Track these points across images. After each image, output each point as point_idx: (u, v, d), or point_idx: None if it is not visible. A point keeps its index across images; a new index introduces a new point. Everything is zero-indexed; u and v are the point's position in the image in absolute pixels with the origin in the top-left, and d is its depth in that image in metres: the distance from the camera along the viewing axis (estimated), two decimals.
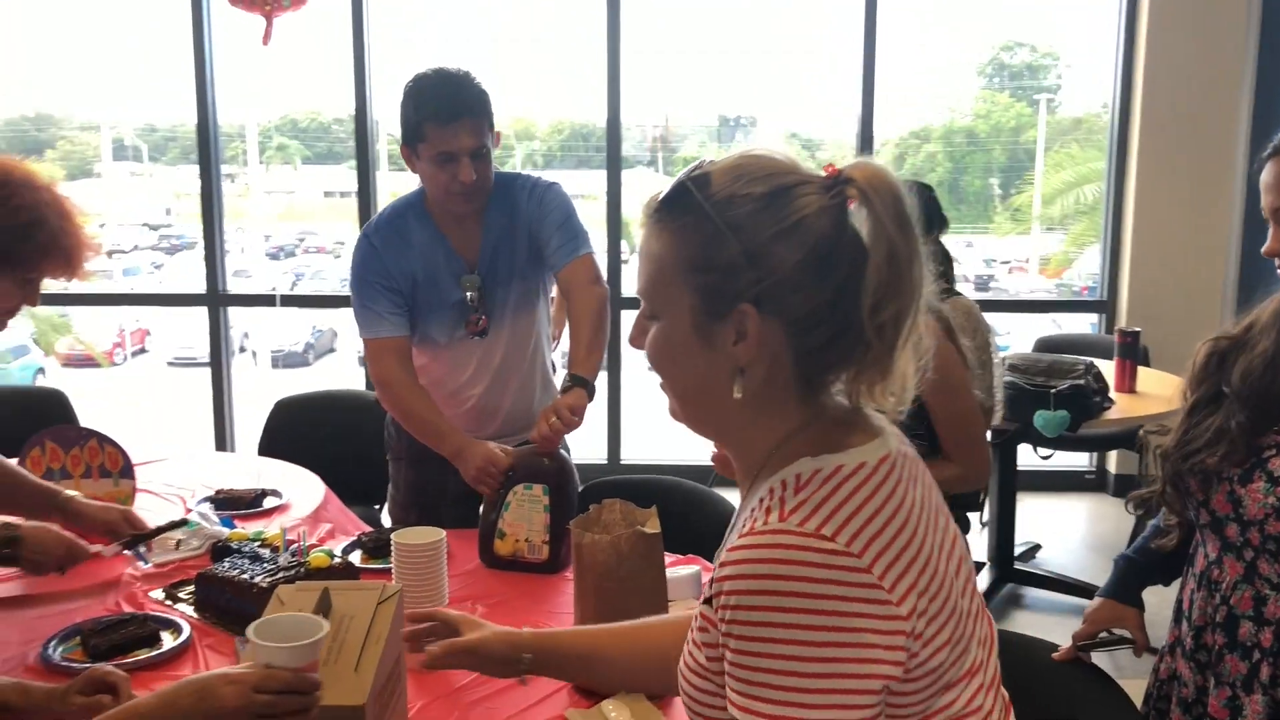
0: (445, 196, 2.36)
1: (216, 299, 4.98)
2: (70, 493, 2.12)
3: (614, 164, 4.95)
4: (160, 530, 2.15)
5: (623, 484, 2.86)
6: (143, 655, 1.78)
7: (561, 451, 2.25)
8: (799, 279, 1.01)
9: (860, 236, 1.02)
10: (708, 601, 1.02)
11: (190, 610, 1.99)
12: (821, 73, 7.07)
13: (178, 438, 4.36)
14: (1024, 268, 8.40)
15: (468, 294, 2.43)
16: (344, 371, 11.16)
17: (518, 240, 2.45)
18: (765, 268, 1.01)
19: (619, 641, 1.44)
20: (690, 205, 1.03)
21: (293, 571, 1.98)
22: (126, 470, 2.32)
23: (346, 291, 2.47)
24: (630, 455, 5.32)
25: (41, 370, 14.84)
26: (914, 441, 1.14)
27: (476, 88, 2.32)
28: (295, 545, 2.11)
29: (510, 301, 2.48)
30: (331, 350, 12.44)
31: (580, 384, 2.33)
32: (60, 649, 1.79)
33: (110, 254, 18.66)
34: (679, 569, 2.12)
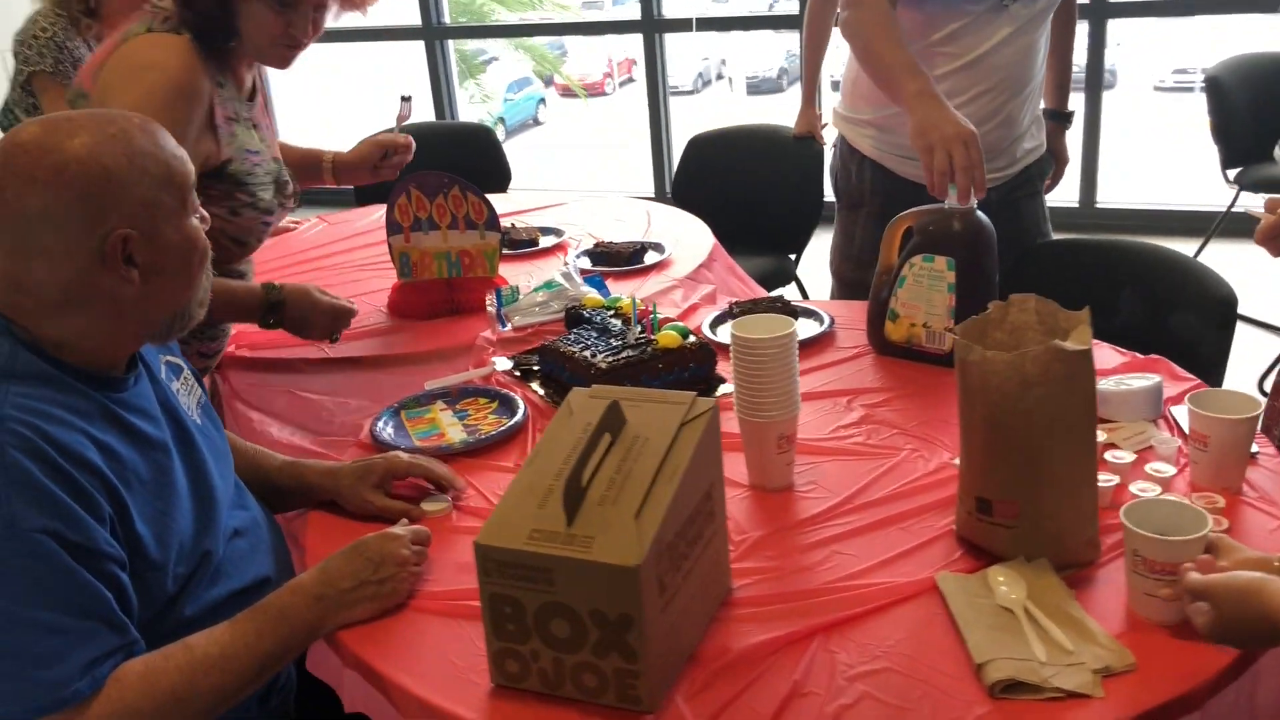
0: None
1: (652, 25, 4.72)
2: (330, 153, 2.11)
3: None
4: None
5: (1078, 246, 2.25)
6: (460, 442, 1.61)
7: (979, 214, 1.70)
8: None
9: None
10: None
11: (536, 385, 1.80)
12: None
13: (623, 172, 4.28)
14: None
15: None
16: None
17: None
18: None
19: None
20: None
21: (639, 350, 1.70)
22: (491, 222, 2.12)
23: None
24: (1109, 198, 4.45)
25: (542, 101, 15.85)
26: None
27: None
28: (647, 319, 1.81)
29: None
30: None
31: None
32: (391, 425, 1.66)
33: None
34: (1131, 379, 1.56)
